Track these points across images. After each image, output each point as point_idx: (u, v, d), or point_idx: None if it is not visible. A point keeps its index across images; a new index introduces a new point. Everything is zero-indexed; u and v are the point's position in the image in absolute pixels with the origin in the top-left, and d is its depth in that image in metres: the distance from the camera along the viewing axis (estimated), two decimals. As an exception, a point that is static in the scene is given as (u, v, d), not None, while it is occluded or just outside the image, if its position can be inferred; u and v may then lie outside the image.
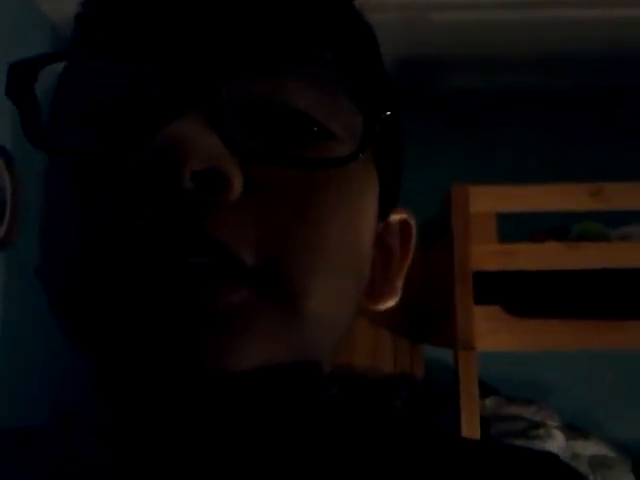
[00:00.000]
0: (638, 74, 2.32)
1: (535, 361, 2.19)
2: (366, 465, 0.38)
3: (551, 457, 0.41)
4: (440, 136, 2.44)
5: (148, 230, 0.30)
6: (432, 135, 2.39)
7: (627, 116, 2.45)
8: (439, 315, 1.83)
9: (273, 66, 0.33)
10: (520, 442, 1.80)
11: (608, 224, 1.78)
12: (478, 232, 1.68)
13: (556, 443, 1.88)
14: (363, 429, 0.41)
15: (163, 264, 0.30)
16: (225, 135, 0.31)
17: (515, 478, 0.39)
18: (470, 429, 1.57)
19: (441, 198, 1.72)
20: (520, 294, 1.64)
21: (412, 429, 0.42)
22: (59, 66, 0.37)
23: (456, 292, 1.61)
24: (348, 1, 0.39)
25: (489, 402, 2.01)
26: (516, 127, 2.47)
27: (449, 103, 2.51)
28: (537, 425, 1.95)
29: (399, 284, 0.43)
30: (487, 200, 1.69)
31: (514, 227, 1.80)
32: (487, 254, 1.64)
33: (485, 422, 1.85)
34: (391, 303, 0.43)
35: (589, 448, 1.98)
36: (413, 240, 0.44)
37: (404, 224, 0.44)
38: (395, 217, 0.43)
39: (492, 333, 1.62)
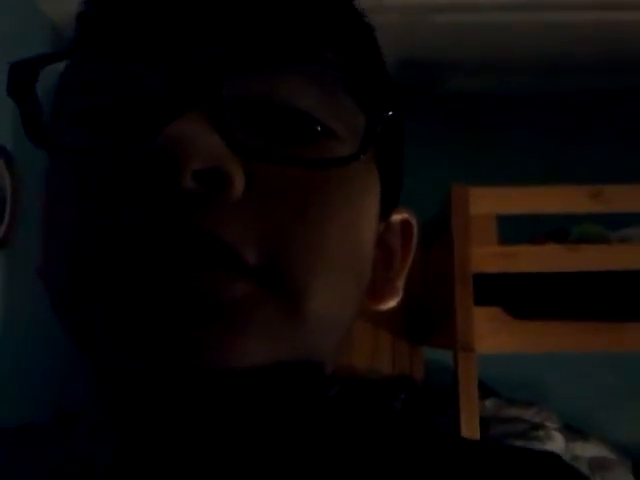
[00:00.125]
0: (638, 76, 2.32)
1: (535, 363, 2.19)
2: (365, 465, 0.38)
3: (553, 457, 0.41)
4: (441, 137, 2.44)
5: (149, 229, 0.30)
6: (433, 136, 2.39)
7: (627, 118, 2.45)
8: (439, 316, 1.83)
9: (274, 65, 0.33)
10: (520, 443, 1.79)
11: (608, 226, 1.78)
12: (478, 234, 1.68)
13: (556, 445, 1.88)
14: (362, 429, 0.41)
15: (164, 262, 0.30)
16: (226, 134, 0.31)
17: (517, 478, 0.39)
18: (469, 430, 1.57)
19: (441, 199, 1.72)
20: (520, 296, 1.64)
21: (411, 430, 0.42)
22: (60, 66, 0.37)
23: (456, 293, 1.61)
24: (349, 1, 0.39)
25: (489, 404, 2.01)
26: (516, 129, 2.47)
27: (450, 105, 2.51)
28: (537, 427, 1.95)
29: (400, 284, 0.43)
30: (487, 202, 1.69)
31: (514, 229, 1.81)
32: (487, 256, 1.64)
33: (485, 423, 1.85)
34: (392, 303, 0.43)
35: (589, 450, 1.98)
36: (414, 240, 0.44)
37: (405, 224, 0.44)
38: (396, 217, 0.43)
39: (492, 335, 1.62)
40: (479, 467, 0.39)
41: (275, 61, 0.34)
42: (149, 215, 0.30)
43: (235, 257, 0.31)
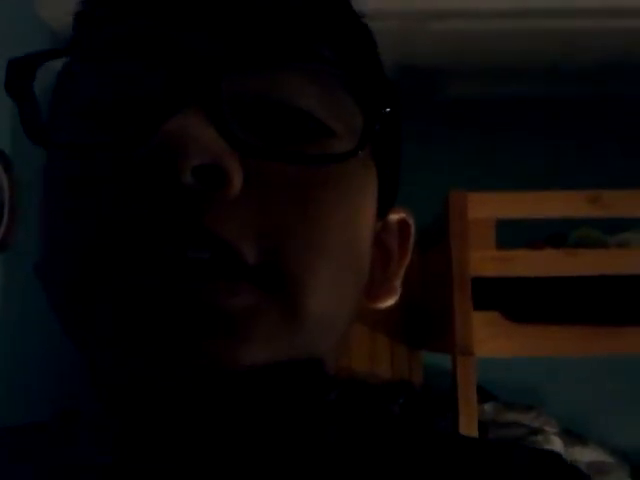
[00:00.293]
0: (636, 82, 2.33)
1: (533, 367, 2.18)
2: (363, 468, 0.38)
3: (554, 456, 0.41)
4: (439, 143, 2.44)
5: (147, 225, 0.30)
6: (431, 142, 2.39)
7: (625, 123, 2.45)
8: (437, 320, 1.83)
9: (272, 62, 0.34)
10: (518, 448, 1.79)
11: (606, 231, 1.79)
12: (477, 238, 1.68)
13: (554, 449, 1.88)
14: (361, 433, 0.40)
15: (162, 259, 0.30)
16: (225, 130, 0.31)
17: (518, 477, 0.39)
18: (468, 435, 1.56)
19: (440, 204, 1.72)
20: (518, 300, 1.64)
21: (410, 432, 0.42)
22: (57, 65, 0.37)
23: (454, 298, 1.61)
24: (346, 1, 0.39)
25: (488, 408, 2.00)
26: (515, 134, 2.47)
27: (448, 111, 2.51)
28: (535, 431, 1.95)
29: (397, 284, 0.43)
30: (486, 206, 1.69)
31: (513, 233, 1.81)
32: (485, 260, 1.64)
33: (483, 428, 1.85)
34: (390, 302, 0.43)
35: (587, 454, 1.98)
36: (412, 240, 0.44)
37: (402, 224, 0.44)
38: (394, 216, 0.43)
39: (490, 339, 1.62)
40: (479, 466, 0.39)
41: (273, 58, 0.34)
42: (148, 212, 0.30)
43: (234, 255, 0.31)
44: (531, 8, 1.94)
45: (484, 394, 2.00)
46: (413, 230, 0.44)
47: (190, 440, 0.34)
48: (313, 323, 0.33)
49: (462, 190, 1.66)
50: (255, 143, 0.32)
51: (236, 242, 0.31)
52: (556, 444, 1.91)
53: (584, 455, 1.97)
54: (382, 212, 0.41)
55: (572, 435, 2.04)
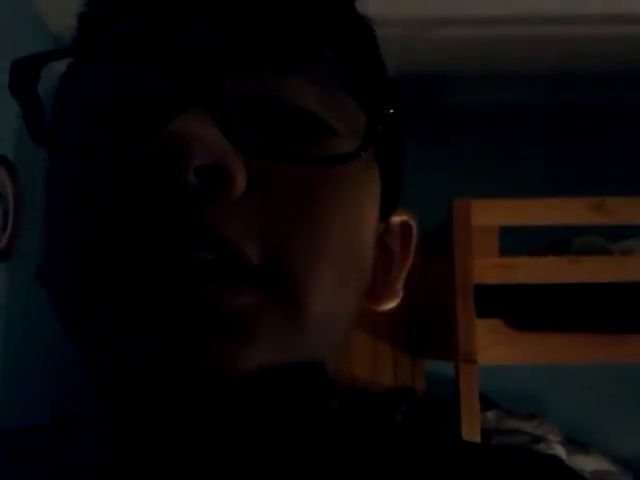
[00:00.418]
0: (638, 88, 2.33)
1: (536, 375, 2.18)
2: (365, 473, 0.38)
3: (555, 460, 0.41)
4: (442, 150, 2.44)
5: (150, 224, 0.30)
6: (434, 149, 2.40)
7: (628, 131, 2.45)
8: (440, 328, 1.83)
9: (276, 62, 0.34)
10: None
11: (610, 238, 1.78)
12: (480, 245, 1.68)
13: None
14: (363, 439, 0.40)
15: (166, 258, 0.30)
16: (229, 131, 0.31)
17: (516, 479, 0.39)
18: (471, 442, 1.56)
19: (443, 212, 1.72)
20: (521, 307, 1.63)
21: (412, 438, 0.41)
22: (60, 68, 0.37)
23: (457, 305, 1.61)
24: (349, 1, 0.39)
25: (490, 415, 2.00)
26: (517, 141, 2.47)
27: (450, 117, 2.52)
28: (538, 439, 1.94)
29: (399, 286, 0.43)
30: (489, 214, 1.69)
31: (515, 241, 1.80)
32: (488, 267, 1.64)
33: (486, 435, 1.84)
34: (391, 305, 0.43)
35: (590, 463, 1.97)
36: (414, 242, 0.44)
37: (405, 226, 0.44)
38: (396, 219, 0.43)
39: (493, 346, 1.62)
40: (480, 470, 0.39)
41: (277, 58, 0.34)
42: (151, 211, 0.30)
43: (237, 255, 0.31)
44: (532, 15, 1.94)
45: (486, 402, 2.00)
46: (415, 232, 0.44)
47: (190, 441, 0.34)
48: (315, 324, 0.33)
49: (466, 197, 1.66)
50: (259, 144, 0.32)
51: (239, 242, 0.31)
52: (559, 453, 1.90)
53: (587, 464, 1.96)
54: (385, 214, 0.41)
55: (575, 443, 2.03)
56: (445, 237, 1.71)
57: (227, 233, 0.30)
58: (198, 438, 0.34)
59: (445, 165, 2.42)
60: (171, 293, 0.30)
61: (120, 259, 0.31)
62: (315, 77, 0.34)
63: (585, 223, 1.69)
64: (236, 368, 0.31)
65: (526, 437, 1.95)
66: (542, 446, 1.90)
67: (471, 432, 1.58)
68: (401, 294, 0.43)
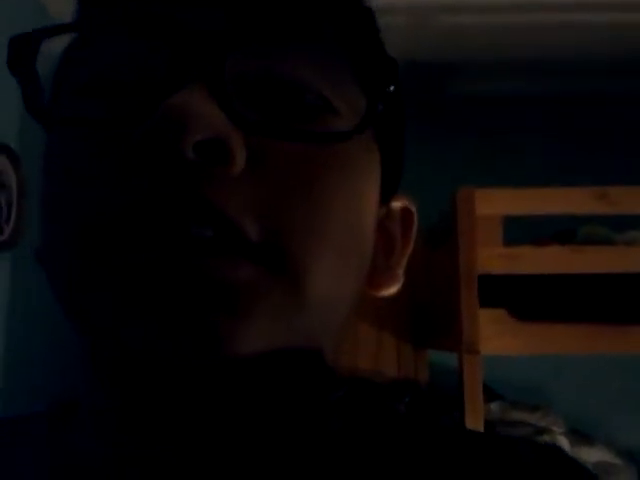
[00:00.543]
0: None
1: (540, 365, 2.18)
2: (369, 462, 0.38)
3: (555, 450, 0.41)
4: (447, 139, 2.44)
5: (148, 200, 0.30)
6: (439, 138, 2.39)
7: (634, 120, 2.44)
8: (443, 318, 1.82)
9: (276, 40, 0.33)
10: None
11: (614, 228, 1.78)
12: (484, 235, 1.68)
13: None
14: (366, 430, 0.40)
15: (165, 234, 0.30)
16: (228, 107, 0.30)
17: (519, 469, 0.38)
18: (474, 433, 1.56)
19: (446, 201, 1.71)
20: (525, 298, 1.63)
21: (415, 428, 0.41)
22: (57, 51, 0.37)
23: (461, 295, 1.61)
24: None
25: (494, 407, 2.00)
26: (522, 130, 2.47)
27: (453, 107, 2.51)
28: (542, 431, 1.94)
29: (400, 272, 0.42)
30: (493, 203, 1.69)
31: (519, 231, 1.80)
32: (492, 257, 1.63)
33: (490, 427, 1.84)
34: (392, 290, 0.42)
35: (594, 454, 1.97)
36: (414, 228, 0.43)
37: (405, 211, 0.43)
38: (397, 204, 0.43)
39: (497, 337, 1.61)
40: (479, 458, 0.39)
41: (277, 36, 0.33)
42: (150, 187, 0.30)
43: (236, 231, 0.30)
44: (539, 2, 1.93)
45: (490, 393, 2.00)
46: (416, 218, 0.44)
47: (192, 430, 0.33)
48: (314, 305, 0.33)
49: (470, 187, 1.66)
50: (257, 120, 0.32)
51: (239, 219, 0.30)
52: (563, 444, 1.91)
53: (591, 455, 1.97)
54: (385, 198, 0.41)
55: (579, 435, 2.03)
56: (448, 228, 1.71)
57: (226, 209, 0.30)
58: (199, 424, 0.33)
59: (447, 155, 2.41)
60: (170, 267, 0.30)
61: (118, 236, 0.30)
62: (315, 55, 0.34)
63: (589, 213, 1.68)
64: (234, 346, 0.30)
65: (530, 428, 1.95)
66: (546, 437, 1.90)
67: (475, 423, 1.58)
68: (402, 279, 0.43)
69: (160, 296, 0.30)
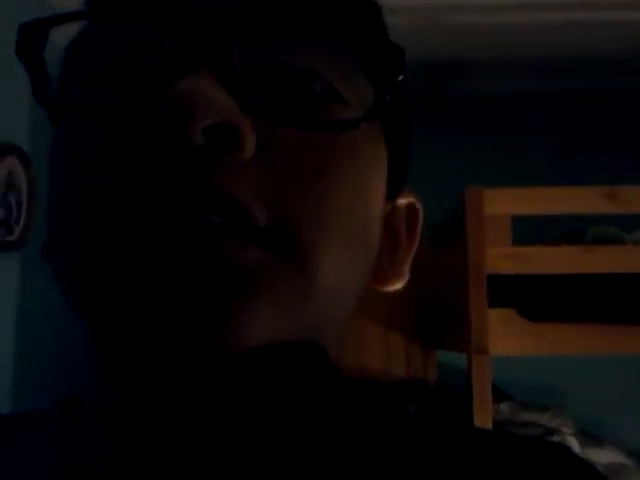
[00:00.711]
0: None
1: (549, 366, 2.17)
2: (376, 460, 0.37)
3: (562, 448, 0.41)
4: (453, 138, 2.44)
5: (157, 186, 0.30)
6: (444, 137, 2.39)
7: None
8: (452, 318, 1.82)
9: (286, 29, 0.33)
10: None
11: (624, 228, 1.77)
12: (492, 235, 1.67)
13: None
14: (375, 429, 0.40)
15: (174, 220, 0.30)
16: (237, 92, 0.30)
17: (525, 468, 0.38)
18: (483, 433, 1.55)
19: (455, 201, 1.71)
20: (534, 298, 1.62)
21: (424, 427, 0.41)
22: (63, 40, 0.37)
23: (470, 295, 1.61)
24: None
25: (504, 407, 1.99)
26: (528, 129, 2.46)
27: (462, 106, 2.51)
28: (552, 432, 1.94)
29: (406, 268, 0.42)
30: (502, 203, 1.68)
31: (529, 230, 1.80)
32: (501, 257, 1.63)
33: (499, 427, 1.84)
34: (398, 286, 0.42)
35: (604, 456, 1.97)
36: (420, 225, 0.43)
37: (411, 208, 0.43)
38: (402, 201, 0.43)
39: (506, 337, 1.61)
40: (487, 456, 0.39)
41: (286, 24, 0.34)
42: (158, 173, 0.30)
43: (245, 217, 0.30)
44: (545, 1, 1.93)
45: (500, 394, 1.99)
46: (421, 215, 0.44)
47: (196, 424, 0.34)
48: (321, 293, 0.33)
49: (478, 186, 1.65)
50: (266, 106, 0.32)
51: (247, 204, 0.30)
52: (572, 445, 1.90)
53: (601, 457, 1.96)
54: (391, 194, 0.41)
55: (588, 436, 2.02)
56: (455, 227, 1.70)
57: (235, 195, 0.30)
58: (200, 420, 0.34)
59: (458, 153, 2.41)
60: (178, 250, 0.29)
61: (127, 222, 0.30)
62: (325, 46, 0.34)
63: (598, 212, 1.67)
64: (242, 328, 0.30)
65: (540, 429, 1.94)
66: (556, 438, 1.89)
67: (483, 423, 1.57)
68: (407, 276, 0.42)
69: (168, 278, 0.30)
